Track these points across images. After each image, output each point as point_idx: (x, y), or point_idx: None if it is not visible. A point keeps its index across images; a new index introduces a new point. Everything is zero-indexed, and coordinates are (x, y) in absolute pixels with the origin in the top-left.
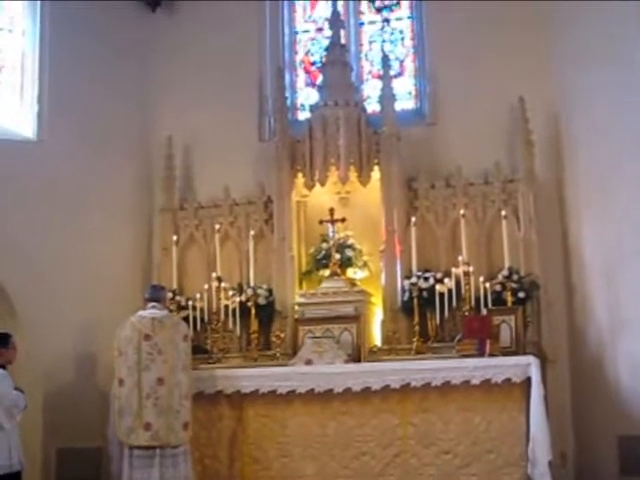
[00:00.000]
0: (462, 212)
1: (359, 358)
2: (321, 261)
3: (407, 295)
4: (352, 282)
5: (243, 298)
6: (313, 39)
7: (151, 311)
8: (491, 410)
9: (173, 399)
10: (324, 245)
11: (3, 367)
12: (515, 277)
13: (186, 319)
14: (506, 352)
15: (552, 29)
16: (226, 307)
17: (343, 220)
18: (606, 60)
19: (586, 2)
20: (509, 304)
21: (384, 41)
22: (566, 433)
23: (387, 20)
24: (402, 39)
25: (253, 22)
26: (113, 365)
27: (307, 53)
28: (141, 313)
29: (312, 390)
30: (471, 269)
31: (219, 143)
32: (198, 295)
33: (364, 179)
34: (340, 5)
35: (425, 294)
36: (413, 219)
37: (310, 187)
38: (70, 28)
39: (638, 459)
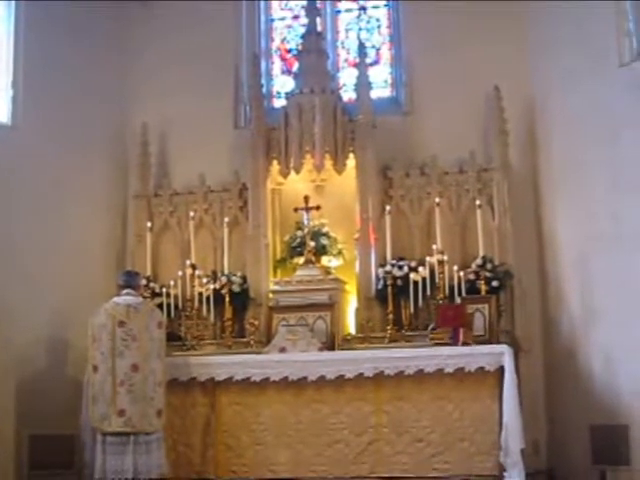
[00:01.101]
0: (437, 201)
1: (333, 346)
2: (296, 249)
3: (381, 283)
4: (326, 270)
5: (217, 285)
6: (289, 26)
7: (125, 298)
8: (464, 399)
9: (147, 386)
10: (299, 233)
11: None
12: (489, 266)
13: (160, 306)
14: (480, 341)
15: (527, 18)
16: (200, 294)
17: (318, 208)
18: (579, 48)
19: None
20: (483, 293)
21: (360, 29)
22: (539, 422)
23: (364, 8)
24: (378, 27)
25: (229, 9)
26: (87, 352)
27: (283, 40)
28: (115, 300)
29: (286, 378)
30: (445, 258)
31: (194, 130)
32: (172, 282)
33: (339, 167)
34: None
35: (399, 282)
36: (388, 207)
37: (285, 175)
38: (45, 15)
39: (610, 448)
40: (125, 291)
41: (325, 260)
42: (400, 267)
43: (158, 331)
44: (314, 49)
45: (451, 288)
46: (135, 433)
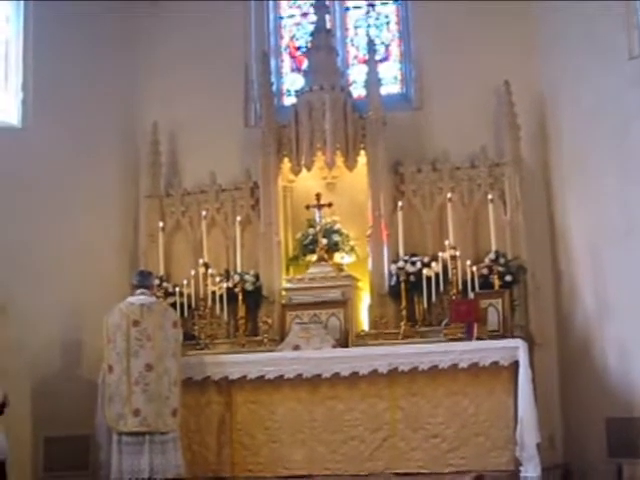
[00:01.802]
0: (449, 196)
1: (347, 343)
2: (308, 246)
3: (394, 280)
4: (339, 267)
5: (230, 284)
6: (298, 24)
7: (139, 297)
8: (479, 394)
9: (162, 385)
10: (311, 230)
11: None
12: (502, 261)
13: (173, 305)
14: (493, 336)
15: (537, 14)
16: (213, 293)
17: (330, 205)
18: (588, 41)
19: None
20: (496, 288)
21: (369, 26)
22: (554, 416)
23: (372, 5)
24: (387, 24)
25: (238, 7)
26: (101, 352)
27: (292, 38)
28: (129, 300)
29: (300, 375)
30: (458, 253)
31: (205, 129)
32: (185, 281)
33: (350, 164)
34: None
35: (412, 278)
36: (400, 204)
37: (296, 172)
38: (55, 15)
39: (625, 441)
40: (139, 291)
41: (337, 257)
42: (413, 263)
43: (173, 330)
44: (323, 46)
45: (464, 283)
46: (150, 432)
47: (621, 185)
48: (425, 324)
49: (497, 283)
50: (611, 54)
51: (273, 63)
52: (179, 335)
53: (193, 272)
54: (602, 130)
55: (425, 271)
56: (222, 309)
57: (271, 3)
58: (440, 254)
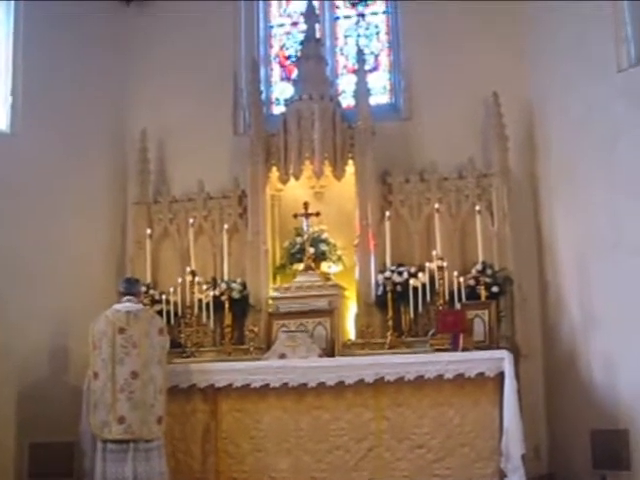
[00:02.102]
0: (436, 207)
1: (333, 352)
2: (295, 255)
3: (381, 289)
4: (326, 276)
5: (217, 292)
6: (288, 33)
7: (125, 304)
8: (465, 404)
9: (147, 393)
10: (298, 239)
11: None
12: (489, 272)
13: (160, 313)
14: (479, 346)
15: (526, 24)
16: (200, 301)
17: (317, 214)
18: (577, 54)
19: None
20: (483, 299)
21: (359, 35)
22: (539, 427)
23: (362, 15)
24: (377, 34)
25: (228, 15)
26: (87, 359)
27: (282, 47)
28: (115, 307)
29: (286, 384)
30: (445, 264)
31: (193, 136)
32: (172, 289)
33: (338, 173)
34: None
35: (399, 288)
36: (387, 213)
37: (284, 181)
38: (44, 21)
39: (610, 453)
40: (125, 298)
41: (325, 266)
42: (400, 273)
43: (159, 338)
44: (313, 56)
45: (451, 294)
46: (135, 440)
47: (609, 196)
48: (411, 334)
49: (484, 294)
50: (600, 66)
51: (263, 71)
52: (165, 342)
53: (180, 280)
54: (590, 141)
55: (412, 281)
56: (209, 317)
57: (261, 11)
58: (427, 264)
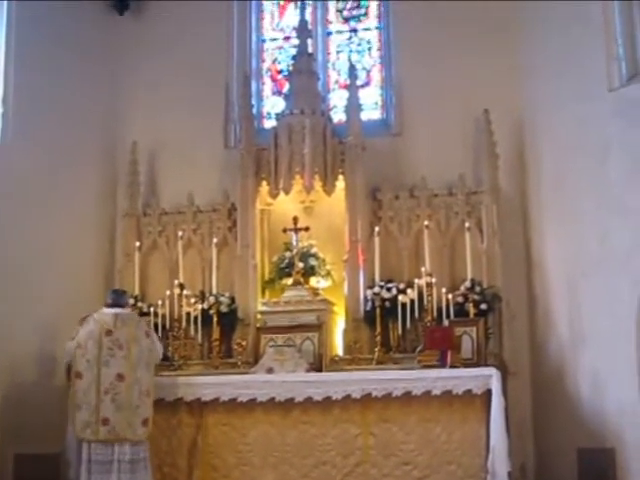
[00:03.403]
0: (426, 223)
1: (320, 367)
2: (284, 270)
3: (369, 305)
4: (315, 291)
5: (205, 305)
6: (280, 47)
7: (114, 309)
8: (452, 421)
9: (132, 395)
10: (287, 254)
11: None
12: (477, 289)
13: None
14: (467, 364)
15: (517, 42)
16: (188, 314)
17: (307, 229)
18: (569, 72)
19: (549, 15)
20: (471, 315)
21: (351, 51)
22: (526, 445)
23: (355, 30)
24: (369, 49)
25: (221, 29)
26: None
27: (274, 61)
28: (103, 310)
29: (273, 399)
30: (434, 280)
31: (184, 149)
32: (160, 302)
33: (328, 188)
34: (308, 14)
35: (387, 304)
36: (377, 229)
37: (274, 195)
38: (36, 30)
39: (597, 471)
40: (113, 310)
41: (313, 281)
42: (388, 289)
43: (146, 340)
44: (305, 70)
45: (439, 310)
46: (120, 442)
47: (598, 214)
48: (399, 350)
49: (472, 311)
50: (591, 84)
51: (254, 85)
52: (152, 345)
53: (168, 292)
54: (581, 159)
55: (400, 297)
56: (196, 330)
57: (254, 25)
58: (416, 281)
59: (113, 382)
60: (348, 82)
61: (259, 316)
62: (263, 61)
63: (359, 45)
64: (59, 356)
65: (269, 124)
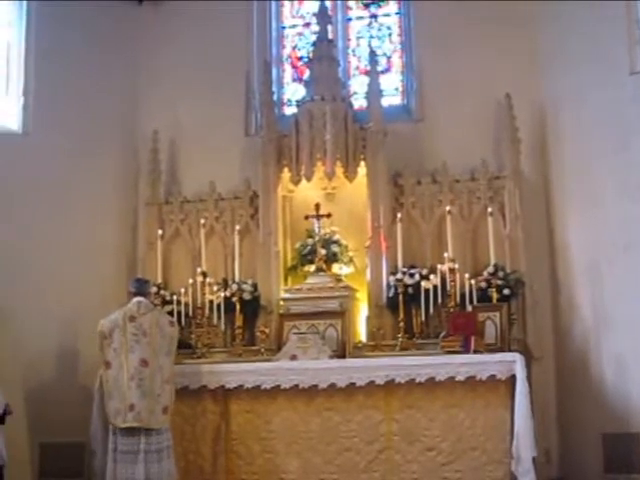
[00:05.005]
0: (448, 208)
1: (344, 354)
2: (306, 256)
3: (392, 291)
4: (337, 278)
5: (228, 293)
6: (300, 34)
7: (137, 298)
8: (476, 407)
9: (155, 382)
10: (309, 240)
11: None
12: (501, 274)
13: (171, 313)
14: (491, 349)
15: (538, 27)
16: (211, 302)
17: (329, 215)
18: (591, 57)
19: (570, 0)
20: (494, 301)
21: (371, 37)
22: (550, 430)
23: (375, 16)
24: (389, 35)
25: (240, 16)
26: (96, 359)
27: (294, 48)
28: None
29: (296, 386)
30: (456, 266)
31: (205, 137)
32: (183, 290)
33: (350, 175)
34: (328, 0)
35: (410, 290)
36: (399, 215)
37: (296, 182)
38: (57, 20)
39: (622, 456)
40: (136, 299)
41: (336, 268)
42: (411, 275)
43: (170, 329)
44: (325, 57)
45: (462, 296)
46: (146, 429)
47: (621, 199)
48: (423, 336)
49: (495, 296)
50: (612, 69)
51: (275, 72)
52: (175, 332)
53: (191, 280)
54: (603, 144)
55: (423, 283)
56: (219, 318)
57: (274, 12)
58: (439, 266)
59: (138, 367)
60: (368, 68)
61: (282, 303)
62: (283, 48)
63: (379, 31)
64: (81, 349)
65: (290, 111)
